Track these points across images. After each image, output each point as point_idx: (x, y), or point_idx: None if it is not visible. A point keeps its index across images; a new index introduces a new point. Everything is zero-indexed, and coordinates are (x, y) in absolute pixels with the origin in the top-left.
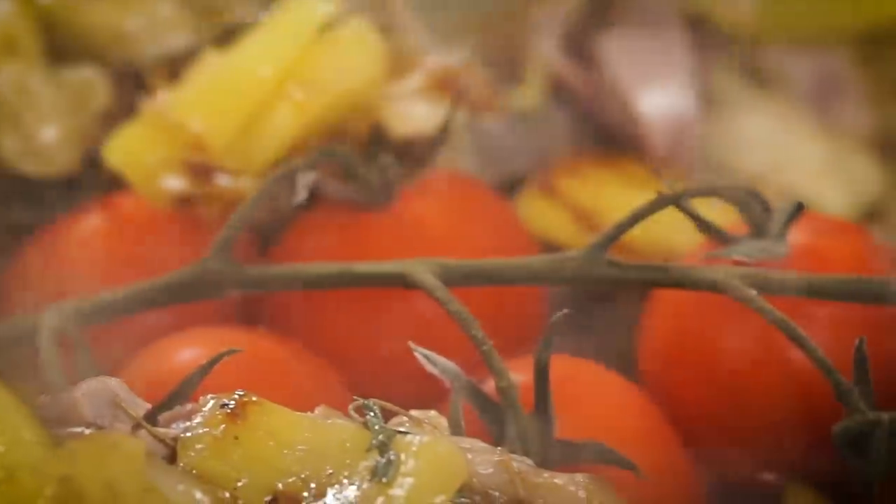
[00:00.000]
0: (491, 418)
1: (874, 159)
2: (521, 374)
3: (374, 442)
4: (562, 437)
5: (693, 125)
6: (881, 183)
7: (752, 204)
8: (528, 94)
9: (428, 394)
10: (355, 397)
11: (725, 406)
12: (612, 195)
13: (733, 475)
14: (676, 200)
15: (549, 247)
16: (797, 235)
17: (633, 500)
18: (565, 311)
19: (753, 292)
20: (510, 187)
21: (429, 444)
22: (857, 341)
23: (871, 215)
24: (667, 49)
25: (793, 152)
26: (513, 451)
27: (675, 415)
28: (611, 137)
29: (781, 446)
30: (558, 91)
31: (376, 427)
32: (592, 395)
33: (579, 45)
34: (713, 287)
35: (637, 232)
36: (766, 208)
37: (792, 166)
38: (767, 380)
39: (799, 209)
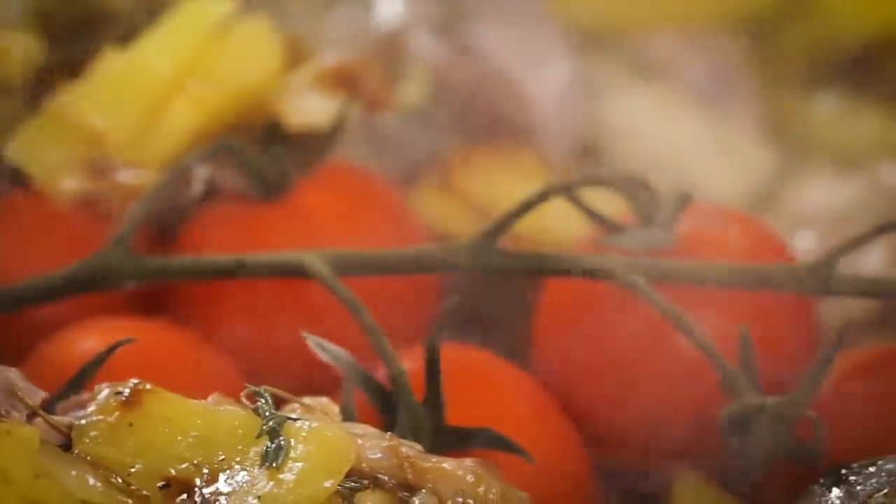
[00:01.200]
0: (382, 405)
1: (765, 147)
2: (413, 363)
3: (264, 428)
4: (452, 424)
5: (580, 115)
6: (771, 171)
7: (640, 193)
8: (414, 89)
9: (325, 383)
10: (247, 385)
11: (615, 393)
12: (505, 186)
13: (623, 460)
14: (565, 190)
15: (444, 239)
16: (685, 224)
17: (524, 484)
18: (455, 299)
19: (641, 280)
20: (405, 180)
21: (318, 430)
22: (741, 327)
23: (761, 203)
24: (548, 39)
25: (682, 141)
26: (404, 438)
27: (567, 402)
28: (501, 129)
29: (670, 432)
30: (443, 85)
31: (267, 413)
32: (483, 383)
33: (458, 38)
34: (601, 275)
35: (528, 222)
36: (654, 197)
37: (681, 155)
38: (655, 367)
39: (686, 198)
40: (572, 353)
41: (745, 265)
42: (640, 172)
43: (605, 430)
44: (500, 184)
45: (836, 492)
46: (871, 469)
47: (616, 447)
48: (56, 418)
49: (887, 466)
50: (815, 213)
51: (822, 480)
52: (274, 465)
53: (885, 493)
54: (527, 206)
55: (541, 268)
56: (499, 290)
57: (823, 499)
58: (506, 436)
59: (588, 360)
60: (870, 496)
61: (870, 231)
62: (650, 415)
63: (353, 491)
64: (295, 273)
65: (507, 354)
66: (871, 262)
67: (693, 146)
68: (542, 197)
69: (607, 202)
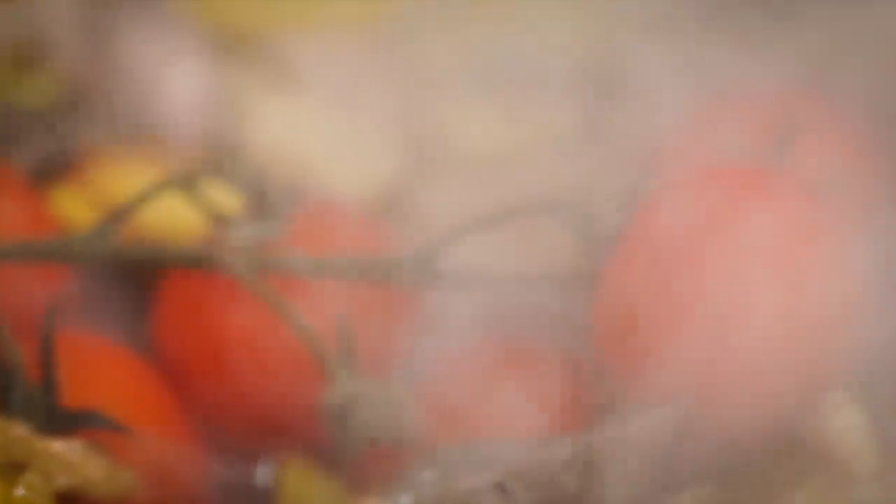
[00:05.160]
0: None
1: (395, 149)
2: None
3: None
4: (64, 407)
5: (215, 116)
6: (400, 172)
7: (256, 187)
8: (51, 87)
9: None
10: None
11: (228, 380)
12: (140, 185)
13: (236, 445)
14: (182, 182)
15: None
16: (299, 219)
17: (134, 463)
18: (70, 288)
19: (250, 270)
20: (40, 175)
21: None
22: (340, 316)
23: (389, 202)
24: (184, 42)
25: (314, 143)
26: (16, 419)
27: (184, 388)
28: (137, 129)
29: (278, 416)
30: (81, 84)
31: None
32: (98, 369)
33: (98, 39)
34: (213, 266)
35: (150, 214)
36: (268, 193)
37: (313, 156)
38: (264, 355)
39: (298, 194)
40: (189, 341)
41: (349, 258)
42: (256, 168)
43: (219, 414)
44: (135, 183)
45: (429, 473)
46: (461, 453)
47: (229, 431)
48: None
49: (480, 450)
50: (439, 211)
51: (416, 464)
52: None
53: (472, 476)
54: (144, 196)
55: (156, 258)
56: (122, 280)
57: (418, 479)
58: (115, 418)
59: (203, 348)
60: (459, 478)
61: (468, 225)
62: (260, 400)
63: None
64: None
65: (130, 342)
66: (483, 256)
67: (324, 148)
68: (159, 188)
69: (227, 196)
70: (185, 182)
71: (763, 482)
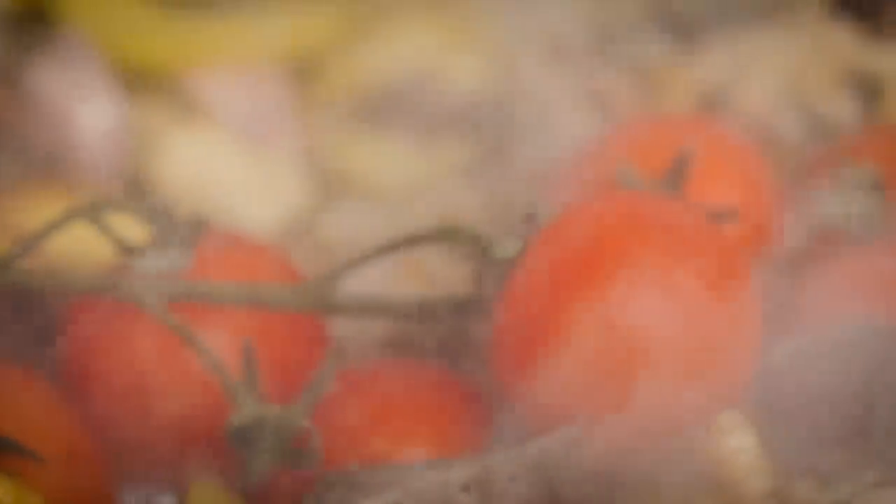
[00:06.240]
0: None
1: (302, 181)
2: None
3: None
4: None
5: (126, 151)
6: (305, 203)
7: (161, 219)
8: None
9: None
10: None
11: (136, 406)
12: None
13: (146, 469)
14: (89, 213)
15: None
16: (203, 249)
17: (42, 488)
18: None
19: (154, 299)
20: None
21: None
22: (244, 342)
23: (297, 231)
24: (96, 79)
25: (224, 176)
26: None
27: (92, 414)
28: (52, 166)
29: (187, 440)
30: None
31: None
32: (7, 394)
33: (7, 74)
34: (119, 295)
35: (61, 244)
36: (173, 224)
37: (222, 188)
38: (170, 381)
39: (202, 225)
40: (97, 367)
41: (252, 285)
42: (161, 200)
43: (127, 439)
44: (45, 215)
45: (330, 495)
46: (362, 476)
47: (139, 457)
48: None
49: (380, 472)
50: (343, 240)
51: (317, 486)
52: None
53: (372, 499)
54: (50, 228)
55: (62, 287)
56: (30, 307)
57: (321, 501)
58: (23, 444)
59: (111, 374)
60: (362, 499)
61: (368, 252)
62: (168, 425)
63: None
64: None
65: (39, 368)
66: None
67: (233, 181)
68: (65, 219)
69: (133, 227)
70: (92, 213)
71: (656, 501)
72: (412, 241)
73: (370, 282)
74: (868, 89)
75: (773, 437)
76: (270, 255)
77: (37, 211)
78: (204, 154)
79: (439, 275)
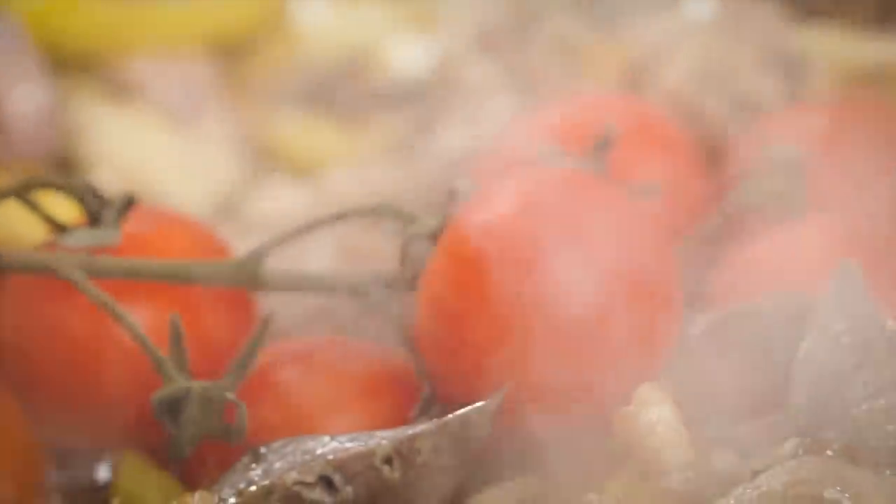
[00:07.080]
0: None
1: (231, 160)
2: None
3: None
4: None
5: (56, 134)
6: (236, 181)
7: (89, 197)
8: None
9: None
10: None
11: (66, 381)
12: None
13: (76, 443)
14: (18, 192)
15: None
16: (132, 225)
17: None
18: None
19: (81, 275)
20: None
21: None
22: (171, 317)
23: (226, 210)
24: (25, 61)
25: (154, 156)
26: None
27: (24, 390)
28: None
29: (116, 416)
30: None
31: None
32: None
33: None
34: (46, 270)
35: None
36: (102, 201)
37: (152, 169)
38: (98, 356)
39: (130, 202)
40: (26, 346)
41: (179, 262)
42: (90, 179)
43: (59, 414)
44: None
45: (255, 468)
46: (288, 448)
47: (70, 431)
48: None
49: (301, 446)
50: (273, 217)
51: (243, 458)
52: None
53: (298, 470)
54: None
55: None
56: None
57: (244, 475)
58: None
59: (41, 350)
60: (285, 472)
61: (296, 229)
62: (95, 400)
63: None
64: None
65: None
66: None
67: (163, 160)
68: None
69: (63, 205)
70: (22, 191)
71: (574, 472)
72: (339, 216)
73: (303, 259)
74: (792, 67)
75: (690, 409)
76: (200, 232)
77: None
78: (134, 133)
79: (367, 251)
